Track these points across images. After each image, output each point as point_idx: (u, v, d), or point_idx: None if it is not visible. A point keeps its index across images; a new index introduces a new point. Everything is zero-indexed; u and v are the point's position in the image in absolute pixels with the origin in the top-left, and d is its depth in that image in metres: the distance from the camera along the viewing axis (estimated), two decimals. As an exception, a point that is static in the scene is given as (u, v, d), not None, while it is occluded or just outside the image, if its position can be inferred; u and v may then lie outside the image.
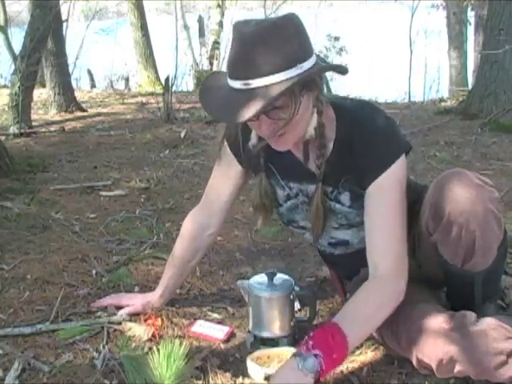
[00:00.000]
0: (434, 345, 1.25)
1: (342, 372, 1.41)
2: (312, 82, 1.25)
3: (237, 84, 1.21)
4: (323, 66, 1.27)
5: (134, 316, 1.65)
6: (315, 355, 1.19)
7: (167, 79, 5.27)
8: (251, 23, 1.21)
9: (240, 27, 1.21)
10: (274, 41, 1.18)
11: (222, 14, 10.19)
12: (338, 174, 1.37)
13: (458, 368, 1.23)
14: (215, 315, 1.71)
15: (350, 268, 1.60)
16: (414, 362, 1.32)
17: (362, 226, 1.41)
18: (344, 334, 1.22)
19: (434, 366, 1.26)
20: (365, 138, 1.31)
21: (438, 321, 1.28)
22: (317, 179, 1.38)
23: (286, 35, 1.19)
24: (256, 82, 1.18)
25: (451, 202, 1.24)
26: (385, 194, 1.32)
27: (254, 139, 1.39)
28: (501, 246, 1.31)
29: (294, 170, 1.43)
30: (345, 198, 1.40)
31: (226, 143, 1.51)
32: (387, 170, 1.30)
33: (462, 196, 1.23)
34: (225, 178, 1.56)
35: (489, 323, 1.25)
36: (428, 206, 1.30)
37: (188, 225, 1.66)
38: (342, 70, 1.31)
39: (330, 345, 1.21)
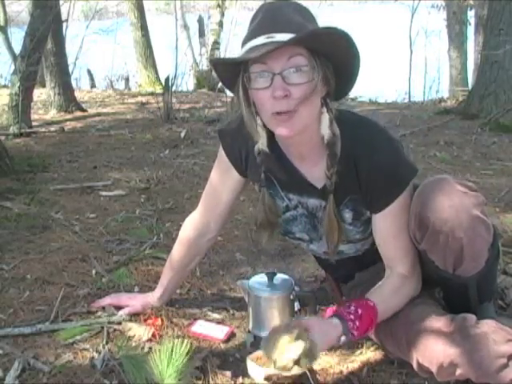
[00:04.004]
0: (435, 348, 1.24)
1: (341, 372, 1.41)
2: (327, 73, 1.22)
3: (259, 40, 1.16)
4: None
5: (134, 316, 1.65)
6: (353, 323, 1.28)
7: (167, 79, 5.26)
8: None
9: (267, 3, 1.25)
10: (306, 11, 1.22)
11: (222, 14, 10.18)
12: (341, 192, 1.34)
13: (458, 371, 1.23)
14: (215, 315, 1.71)
15: (346, 273, 1.60)
16: (415, 365, 1.31)
17: (359, 242, 1.44)
18: (376, 315, 1.31)
19: (434, 370, 1.25)
20: (371, 164, 1.28)
21: (438, 324, 1.27)
22: (327, 191, 1.33)
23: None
24: (280, 36, 1.14)
25: (435, 211, 1.23)
26: (394, 220, 1.33)
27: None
28: (491, 249, 1.30)
29: (294, 182, 1.39)
30: (347, 215, 1.38)
31: (222, 151, 1.49)
32: (395, 200, 1.31)
33: (445, 204, 1.22)
34: (223, 185, 1.53)
35: (489, 326, 1.24)
36: (413, 216, 1.29)
37: (186, 231, 1.64)
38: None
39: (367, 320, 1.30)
